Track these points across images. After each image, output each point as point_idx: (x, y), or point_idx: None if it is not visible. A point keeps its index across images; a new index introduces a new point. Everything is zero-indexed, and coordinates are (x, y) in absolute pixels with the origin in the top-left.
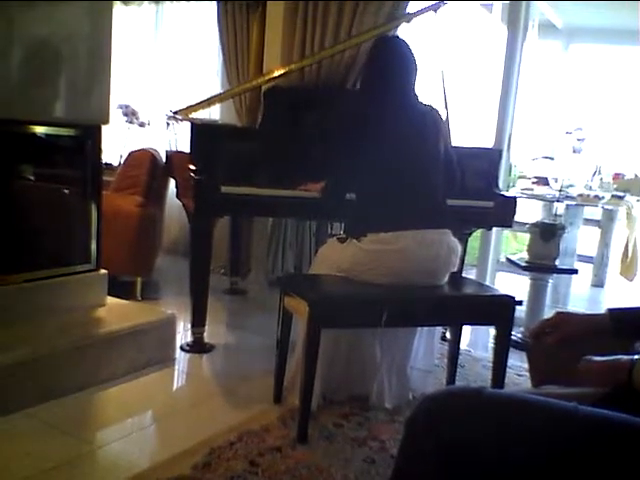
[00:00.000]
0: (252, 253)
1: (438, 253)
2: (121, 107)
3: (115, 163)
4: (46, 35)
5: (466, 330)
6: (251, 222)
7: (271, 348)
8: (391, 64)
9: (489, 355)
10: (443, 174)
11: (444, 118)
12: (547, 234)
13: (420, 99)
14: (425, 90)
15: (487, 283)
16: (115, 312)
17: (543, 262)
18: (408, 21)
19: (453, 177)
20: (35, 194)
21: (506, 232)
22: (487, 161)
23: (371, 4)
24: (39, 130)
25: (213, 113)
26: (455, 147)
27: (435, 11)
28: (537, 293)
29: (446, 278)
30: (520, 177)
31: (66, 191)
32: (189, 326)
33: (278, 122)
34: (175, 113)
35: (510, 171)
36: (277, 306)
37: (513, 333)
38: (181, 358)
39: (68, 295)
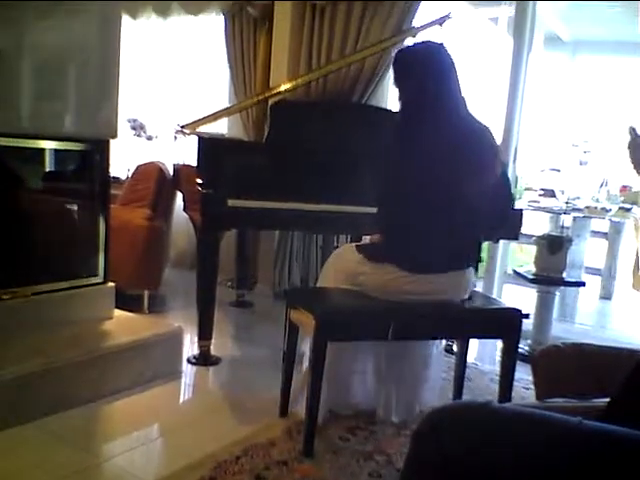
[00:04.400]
0: (258, 266)
1: (456, 293)
2: (129, 121)
3: (123, 176)
4: (54, 50)
5: (473, 343)
6: (257, 235)
7: (277, 361)
8: (426, 80)
9: (496, 368)
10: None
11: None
12: (554, 246)
13: (473, 114)
14: None
15: (494, 296)
16: (122, 325)
17: (550, 275)
18: (414, 35)
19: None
20: (44, 208)
21: (513, 244)
22: None
23: (377, 18)
24: (48, 145)
25: (220, 127)
26: None
27: (441, 25)
28: (544, 306)
29: None
30: (527, 189)
31: (74, 205)
32: (196, 339)
33: (284, 136)
34: (182, 127)
35: (516, 183)
36: (283, 319)
37: (520, 346)
38: (188, 371)
39: (76, 308)
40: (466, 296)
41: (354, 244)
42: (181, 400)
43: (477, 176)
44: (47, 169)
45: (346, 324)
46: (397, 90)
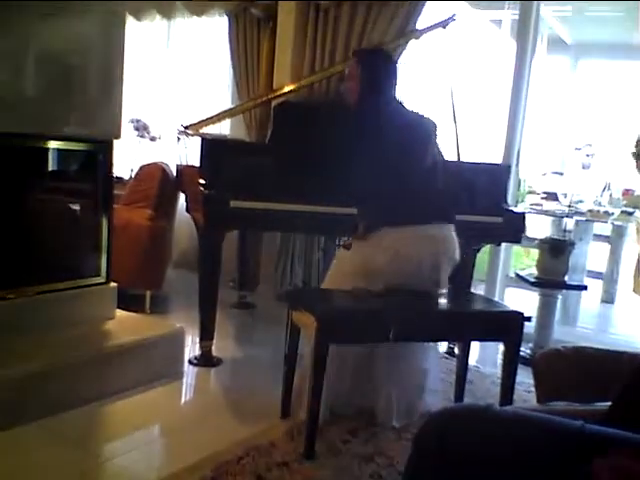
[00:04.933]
0: (260, 267)
1: (444, 246)
2: (132, 121)
3: (126, 177)
4: (59, 50)
5: (475, 346)
6: (260, 236)
7: (279, 362)
8: (381, 77)
9: (498, 371)
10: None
11: (437, 128)
12: (556, 250)
13: (406, 106)
14: (435, 105)
15: (496, 299)
16: (124, 325)
17: (552, 278)
18: (417, 37)
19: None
20: (47, 207)
21: (517, 247)
22: (495, 177)
23: (381, 20)
24: (51, 145)
25: (223, 127)
26: (464, 162)
27: (444, 27)
28: (546, 309)
29: (449, 272)
30: (529, 192)
31: (77, 204)
32: (197, 339)
33: (287, 137)
34: (186, 128)
35: (519, 186)
36: (285, 320)
37: (522, 349)
38: (189, 372)
39: (78, 308)
40: (457, 257)
41: (341, 247)
42: (182, 401)
43: (421, 146)
44: (50, 169)
45: (347, 326)
46: (359, 78)
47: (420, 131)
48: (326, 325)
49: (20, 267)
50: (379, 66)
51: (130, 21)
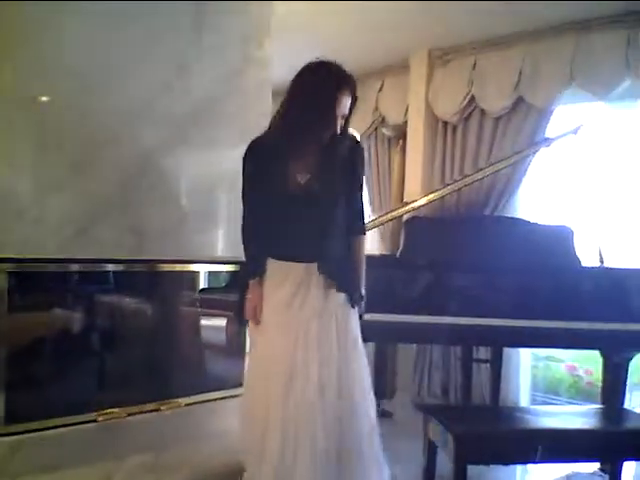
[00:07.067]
0: (397, 374)
1: None
2: None
3: None
4: (210, 181)
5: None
6: (396, 344)
7: (417, 477)
8: None
9: None
10: None
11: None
12: None
13: None
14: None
15: None
16: None
17: None
18: (547, 145)
19: None
20: (195, 322)
21: None
22: None
23: (510, 131)
24: (204, 268)
25: None
26: (609, 268)
27: (575, 133)
28: None
29: None
30: None
31: (224, 317)
32: None
33: (418, 251)
34: None
35: None
36: (423, 430)
37: None
38: None
39: (221, 418)
40: None
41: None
42: None
43: None
44: (202, 287)
45: (487, 446)
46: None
47: None
48: (464, 445)
49: (172, 379)
50: None
51: None
